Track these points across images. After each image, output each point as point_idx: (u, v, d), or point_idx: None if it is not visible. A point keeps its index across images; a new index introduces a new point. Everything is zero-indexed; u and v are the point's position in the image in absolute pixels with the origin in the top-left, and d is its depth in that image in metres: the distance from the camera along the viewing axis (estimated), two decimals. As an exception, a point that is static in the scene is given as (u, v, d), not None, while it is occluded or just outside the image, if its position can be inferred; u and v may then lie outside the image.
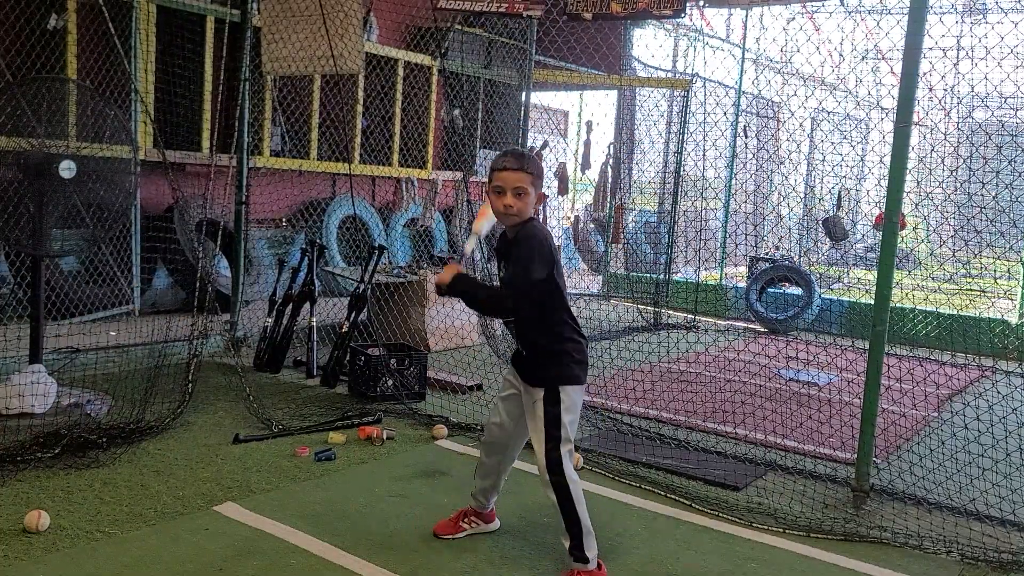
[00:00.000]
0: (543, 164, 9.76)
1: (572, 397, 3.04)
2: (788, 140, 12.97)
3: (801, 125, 12.61)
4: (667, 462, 4.37)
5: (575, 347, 3.10)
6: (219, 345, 6.20)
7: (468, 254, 3.19)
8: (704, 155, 9.24)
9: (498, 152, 3.07)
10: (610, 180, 10.27)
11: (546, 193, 3.35)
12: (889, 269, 3.82)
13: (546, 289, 3.00)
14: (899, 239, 3.99)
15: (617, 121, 10.77)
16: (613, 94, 11.03)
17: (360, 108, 8.41)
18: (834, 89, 13.75)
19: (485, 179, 9.76)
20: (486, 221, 3.19)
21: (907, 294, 9.02)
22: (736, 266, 12.07)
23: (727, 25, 13.62)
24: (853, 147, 14.26)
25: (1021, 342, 8.06)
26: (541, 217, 9.83)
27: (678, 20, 11.18)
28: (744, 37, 11.45)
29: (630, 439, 4.75)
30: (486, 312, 3.07)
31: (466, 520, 3.40)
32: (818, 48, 13.43)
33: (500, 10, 5.23)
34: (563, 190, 10.56)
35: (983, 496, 4.06)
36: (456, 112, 9.65)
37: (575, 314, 3.18)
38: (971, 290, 11.47)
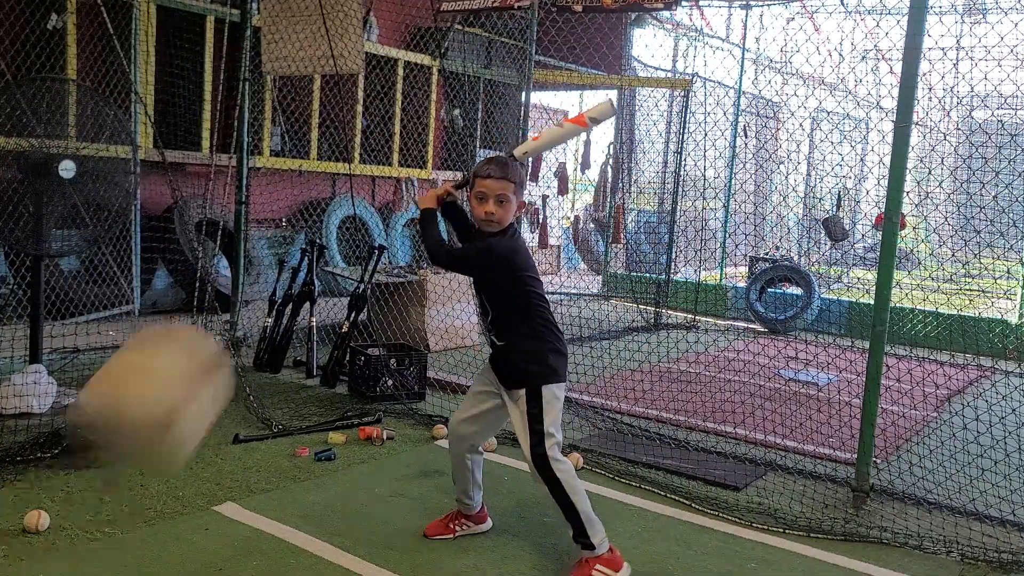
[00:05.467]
0: (543, 164, 9.78)
1: (554, 393, 3.09)
2: (788, 140, 12.97)
3: (801, 125, 12.60)
4: (667, 462, 4.37)
5: (554, 345, 3.14)
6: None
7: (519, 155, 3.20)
8: (704, 155, 9.23)
9: (488, 155, 3.11)
10: (610, 180, 10.27)
11: (526, 203, 3.41)
12: (889, 269, 3.82)
13: (524, 290, 3.10)
14: (899, 239, 3.99)
15: (617, 121, 10.76)
16: (613, 94, 11.03)
17: (360, 108, 8.40)
18: (834, 89, 13.75)
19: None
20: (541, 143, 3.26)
21: (907, 294, 9.02)
22: (736, 266, 12.06)
23: (727, 25, 13.63)
24: (853, 147, 14.26)
25: (1021, 342, 8.06)
26: (541, 217, 9.86)
27: (677, 19, 11.19)
28: (744, 37, 11.45)
29: (630, 439, 4.75)
30: (425, 248, 3.17)
31: (456, 523, 3.40)
32: (818, 48, 13.42)
33: (494, 5, 5.29)
34: (563, 190, 10.56)
35: (983, 496, 4.06)
36: (456, 112, 9.65)
37: (569, 311, 3.21)
38: (971, 290, 11.47)
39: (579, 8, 4.95)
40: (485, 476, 3.42)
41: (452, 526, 3.39)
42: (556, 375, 3.11)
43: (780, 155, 13.04)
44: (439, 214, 3.21)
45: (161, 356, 2.00)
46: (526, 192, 3.24)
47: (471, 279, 3.26)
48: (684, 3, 4.82)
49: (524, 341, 3.11)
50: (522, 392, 3.08)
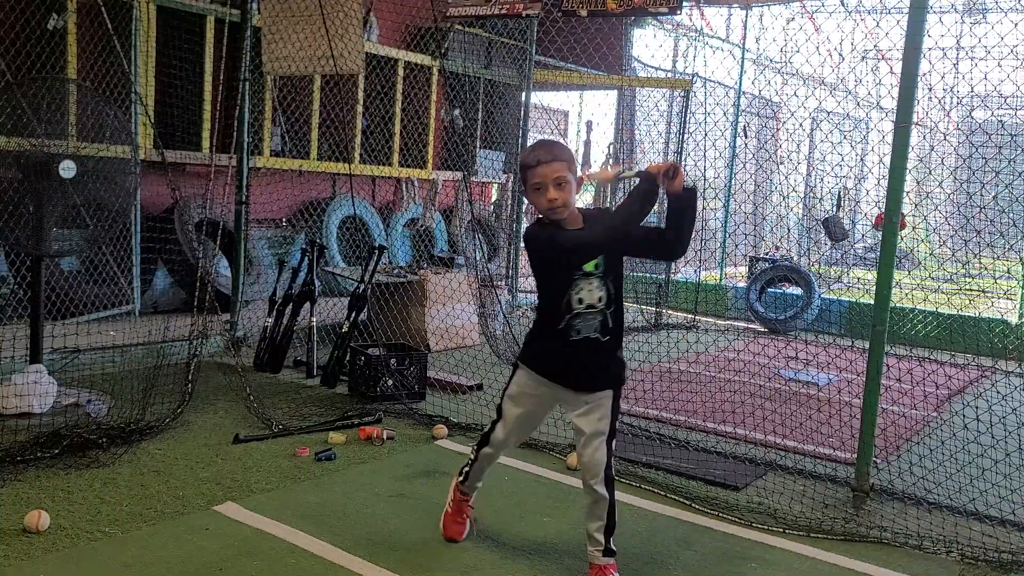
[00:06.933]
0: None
1: None
2: (788, 140, 12.97)
3: (801, 125, 12.60)
4: (667, 462, 4.37)
5: None
6: (219, 345, 6.20)
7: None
8: (704, 155, 9.23)
9: (530, 148, 3.00)
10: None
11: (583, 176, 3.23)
12: (889, 269, 3.82)
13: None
14: (899, 239, 3.99)
15: (617, 121, 10.77)
16: (613, 94, 11.03)
17: (360, 108, 8.40)
18: (834, 89, 13.75)
19: (485, 179, 9.72)
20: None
21: (907, 294, 9.02)
22: (736, 266, 12.06)
23: (727, 25, 13.62)
24: (853, 147, 14.26)
25: (1021, 342, 8.06)
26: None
27: (677, 20, 11.19)
28: (744, 37, 11.45)
29: (630, 439, 4.75)
30: (689, 230, 3.00)
31: (466, 512, 3.40)
32: (818, 48, 13.42)
33: (502, 12, 5.31)
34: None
35: (983, 496, 4.06)
36: (456, 112, 9.65)
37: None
38: (971, 290, 11.47)
39: (584, 13, 4.96)
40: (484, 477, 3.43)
41: (465, 517, 3.39)
42: None
43: (780, 155, 13.04)
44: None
45: None
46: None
47: (603, 267, 2.96)
48: (685, 3, 4.84)
49: (621, 336, 3.02)
50: (610, 393, 3.01)
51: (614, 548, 3.04)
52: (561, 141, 3.10)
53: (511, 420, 3.17)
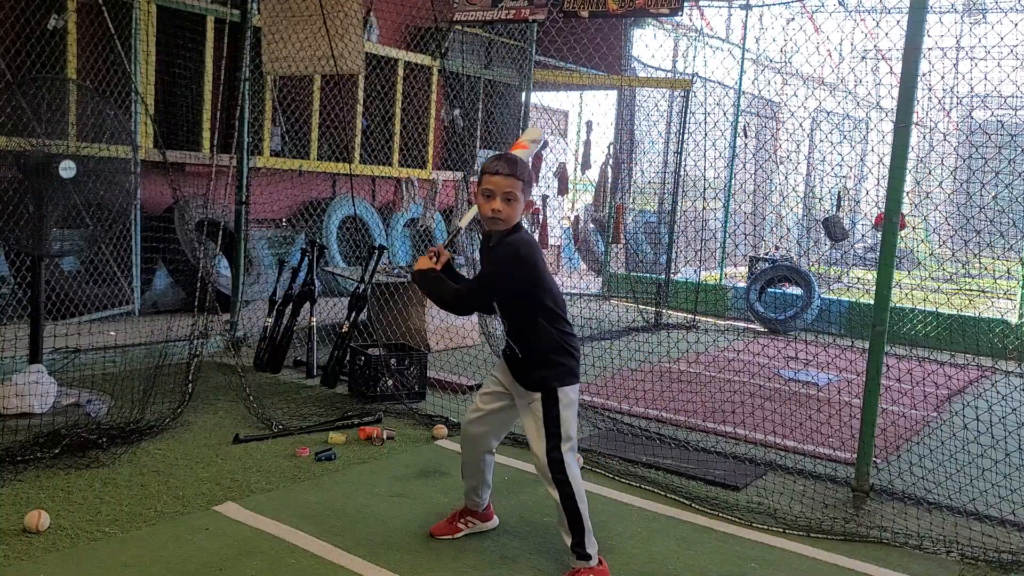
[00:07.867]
0: (543, 164, 9.81)
1: (569, 396, 3.06)
2: (788, 140, 12.97)
3: (801, 125, 12.61)
4: (667, 462, 4.37)
5: (568, 346, 3.10)
6: (219, 345, 6.20)
7: (451, 242, 3.31)
8: (704, 155, 9.24)
9: (493, 154, 3.09)
10: (610, 180, 10.27)
11: (535, 202, 3.38)
12: (889, 269, 3.82)
13: (531, 304, 3.03)
14: (899, 239, 3.99)
15: (617, 121, 10.77)
16: (613, 94, 11.03)
17: (360, 108, 8.41)
18: (834, 89, 13.75)
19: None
20: (469, 215, 3.32)
21: (907, 294, 9.02)
22: (736, 266, 12.07)
23: (727, 25, 13.62)
24: (853, 147, 14.26)
25: (1021, 342, 8.06)
26: (541, 217, 9.87)
27: (677, 20, 11.20)
28: (744, 37, 11.45)
29: (630, 439, 4.75)
30: (444, 308, 3.14)
31: (462, 520, 3.40)
32: (818, 48, 13.42)
33: (509, 17, 5.35)
34: (563, 190, 10.57)
35: (983, 496, 4.06)
36: (456, 112, 9.65)
37: (569, 311, 3.21)
38: (971, 290, 11.47)
39: (585, 14, 4.97)
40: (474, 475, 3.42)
41: (458, 524, 3.39)
42: (573, 376, 3.09)
43: (780, 155, 13.05)
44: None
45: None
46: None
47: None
48: (685, 3, 4.86)
49: (542, 345, 3.05)
50: (538, 395, 3.04)
51: (588, 552, 3.02)
52: (527, 161, 3.18)
53: (481, 393, 3.29)
